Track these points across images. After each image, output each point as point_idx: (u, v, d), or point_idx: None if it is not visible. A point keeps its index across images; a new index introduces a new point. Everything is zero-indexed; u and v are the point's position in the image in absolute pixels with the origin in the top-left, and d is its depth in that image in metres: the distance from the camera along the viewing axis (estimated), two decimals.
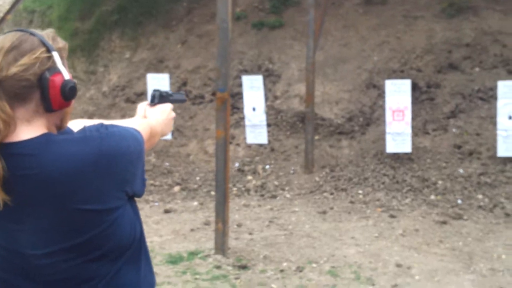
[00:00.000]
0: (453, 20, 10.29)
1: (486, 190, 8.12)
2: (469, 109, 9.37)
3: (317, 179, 8.96)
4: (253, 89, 9.14)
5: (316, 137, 9.50)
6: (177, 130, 10.23)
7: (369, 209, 8.00)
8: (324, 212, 7.88)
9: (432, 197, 8.20)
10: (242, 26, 11.32)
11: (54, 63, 1.59)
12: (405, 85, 8.78)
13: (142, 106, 2.32)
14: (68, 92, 1.60)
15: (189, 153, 9.94)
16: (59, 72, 1.59)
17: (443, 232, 6.97)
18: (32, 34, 1.59)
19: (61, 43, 1.68)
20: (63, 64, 1.63)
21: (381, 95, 9.83)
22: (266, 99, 9.87)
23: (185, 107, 10.71)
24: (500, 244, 6.48)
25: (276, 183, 9.02)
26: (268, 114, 9.72)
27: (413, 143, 8.86)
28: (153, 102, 2.27)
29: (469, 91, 9.51)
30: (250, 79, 9.22)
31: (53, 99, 1.57)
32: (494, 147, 8.63)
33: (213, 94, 10.49)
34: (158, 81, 9.53)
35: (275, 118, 10.00)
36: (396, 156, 9.00)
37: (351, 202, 8.27)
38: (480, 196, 8.03)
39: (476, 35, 9.97)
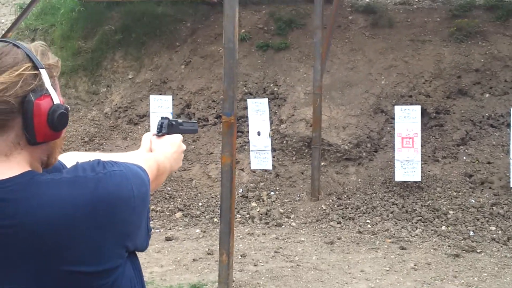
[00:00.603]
0: (461, 44, 10.09)
1: (499, 222, 7.85)
2: (480, 136, 9.14)
3: (323, 207, 8.69)
4: (258, 112, 8.89)
5: (322, 163, 9.25)
6: None
7: (378, 240, 7.72)
8: (332, 243, 7.60)
9: (443, 228, 7.92)
10: (246, 48, 11.11)
11: (41, 83, 1.29)
12: (415, 111, 8.55)
13: (148, 137, 1.96)
14: (57, 121, 1.30)
15: (192, 178, 9.66)
16: (47, 95, 1.30)
17: (457, 266, 6.69)
18: (16, 45, 1.30)
19: (52, 59, 1.38)
20: (53, 84, 1.34)
21: (389, 120, 9.61)
22: (271, 123, 9.64)
23: None
24: None
25: (281, 210, 8.74)
26: (273, 138, 9.48)
27: (422, 171, 8.61)
28: (160, 132, 1.93)
29: (479, 118, 9.28)
30: (256, 102, 8.96)
31: (38, 128, 1.27)
32: (506, 176, 8.37)
33: (218, 117, 10.26)
34: (161, 103, 9.32)
35: (281, 143, 9.75)
36: (405, 184, 8.74)
37: (359, 232, 7.99)
38: (493, 228, 7.76)
39: (486, 60, 9.76)
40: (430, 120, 9.46)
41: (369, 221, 8.26)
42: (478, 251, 7.22)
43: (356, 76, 10.16)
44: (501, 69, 9.61)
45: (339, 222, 8.32)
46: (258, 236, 7.98)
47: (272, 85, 10.48)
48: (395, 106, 8.78)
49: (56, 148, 1.39)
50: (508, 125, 9.00)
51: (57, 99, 1.33)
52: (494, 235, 7.62)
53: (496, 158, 8.76)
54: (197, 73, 11.12)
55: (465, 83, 9.69)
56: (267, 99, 9.17)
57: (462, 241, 7.53)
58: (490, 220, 7.93)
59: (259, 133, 8.97)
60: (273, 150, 9.43)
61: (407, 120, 8.52)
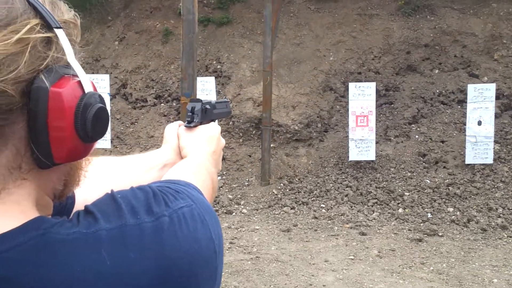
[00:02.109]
0: (410, 19, 9.80)
1: (456, 203, 7.63)
2: (431, 114, 8.90)
3: (274, 191, 8.22)
4: (204, 92, 8.27)
5: (271, 145, 8.76)
6: (117, 138, 9.23)
7: (336, 225, 7.33)
8: (288, 230, 7.15)
9: (400, 210, 7.63)
10: None
11: (60, 55, 0.69)
12: (370, 88, 8.19)
13: (173, 129, 1.29)
14: (93, 123, 0.70)
15: None
16: (70, 76, 0.69)
17: (422, 251, 6.38)
18: None
19: (68, 13, 0.75)
20: (75, 56, 0.72)
21: (338, 98, 9.24)
22: None
23: (124, 111, 9.72)
24: (487, 265, 5.95)
25: (230, 196, 8.21)
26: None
27: (375, 151, 8.28)
28: (192, 122, 1.29)
29: (430, 95, 9.04)
30: (202, 81, 8.33)
31: (58, 139, 0.67)
32: (460, 155, 8.17)
33: (157, 97, 9.58)
34: (97, 82, 8.52)
35: (226, 124, 9.18)
36: (358, 165, 8.40)
37: (315, 217, 7.58)
38: (451, 209, 7.53)
39: (435, 35, 9.51)
40: (380, 97, 9.12)
41: (323, 206, 7.87)
42: (440, 234, 6.96)
43: (304, 52, 9.70)
44: (450, 44, 9.39)
45: (292, 208, 7.88)
46: None
47: (215, 62, 9.86)
48: (350, 83, 8.39)
49: (80, 170, 0.78)
50: (460, 101, 8.82)
51: (89, 84, 0.72)
52: (453, 216, 7.39)
53: (449, 136, 8.55)
54: (132, 50, 10.35)
55: (414, 58, 9.42)
56: (213, 77, 8.56)
57: (422, 224, 7.26)
58: (447, 201, 7.70)
59: None
60: None
61: (362, 97, 8.15)
